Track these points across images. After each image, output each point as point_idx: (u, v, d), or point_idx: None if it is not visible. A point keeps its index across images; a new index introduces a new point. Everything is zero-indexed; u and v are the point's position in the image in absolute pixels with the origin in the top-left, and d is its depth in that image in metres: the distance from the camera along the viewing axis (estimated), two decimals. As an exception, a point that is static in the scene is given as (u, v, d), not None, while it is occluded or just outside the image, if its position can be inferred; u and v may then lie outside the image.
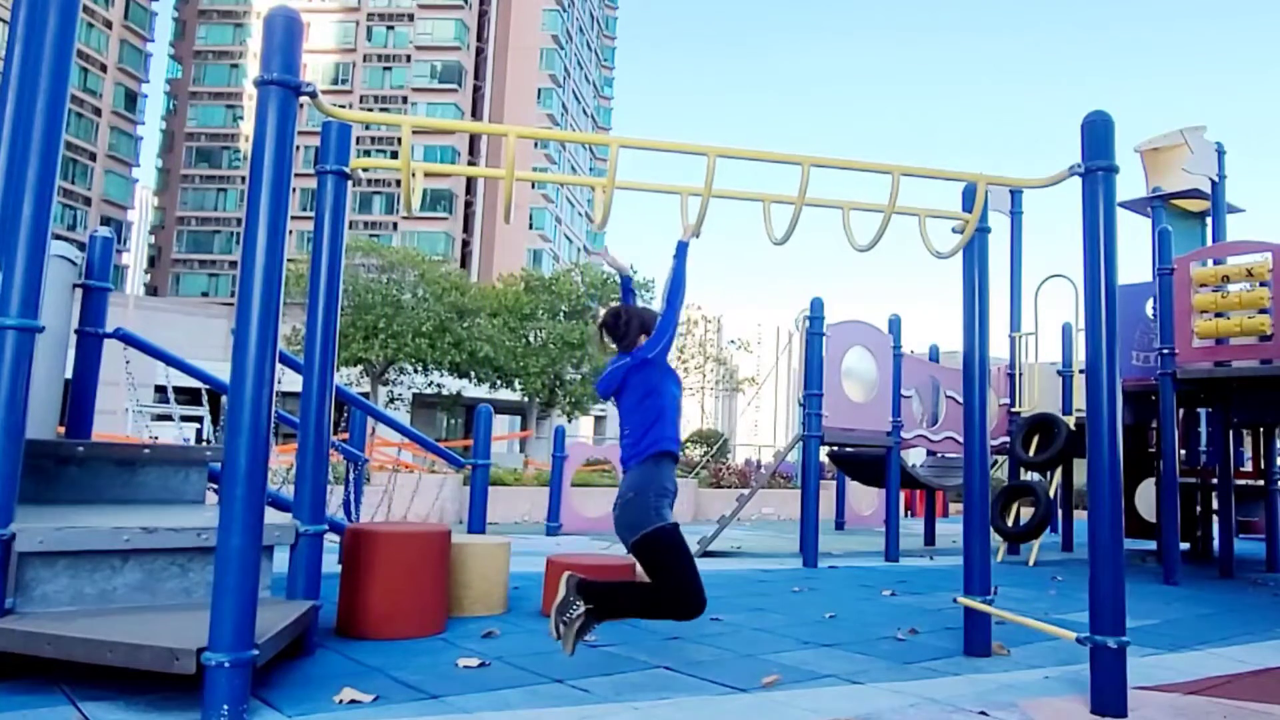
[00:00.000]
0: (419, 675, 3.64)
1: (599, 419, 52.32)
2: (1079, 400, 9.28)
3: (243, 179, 56.74)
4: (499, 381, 32.27)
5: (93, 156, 59.05)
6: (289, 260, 3.35)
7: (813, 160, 3.97)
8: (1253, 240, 8.10)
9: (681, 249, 3.87)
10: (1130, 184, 9.85)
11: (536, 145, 61.55)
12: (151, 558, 3.70)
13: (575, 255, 67.53)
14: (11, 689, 3.14)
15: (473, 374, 31.57)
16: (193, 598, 3.75)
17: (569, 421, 36.30)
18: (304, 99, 3.34)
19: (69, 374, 5.27)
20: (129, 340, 5.54)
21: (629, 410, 3.75)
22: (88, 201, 58.35)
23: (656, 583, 3.50)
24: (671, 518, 3.55)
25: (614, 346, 3.89)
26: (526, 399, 34.43)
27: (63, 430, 5.39)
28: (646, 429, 3.68)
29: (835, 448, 10.82)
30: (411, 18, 64.83)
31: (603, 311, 3.83)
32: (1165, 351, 8.01)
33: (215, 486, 5.05)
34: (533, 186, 63.18)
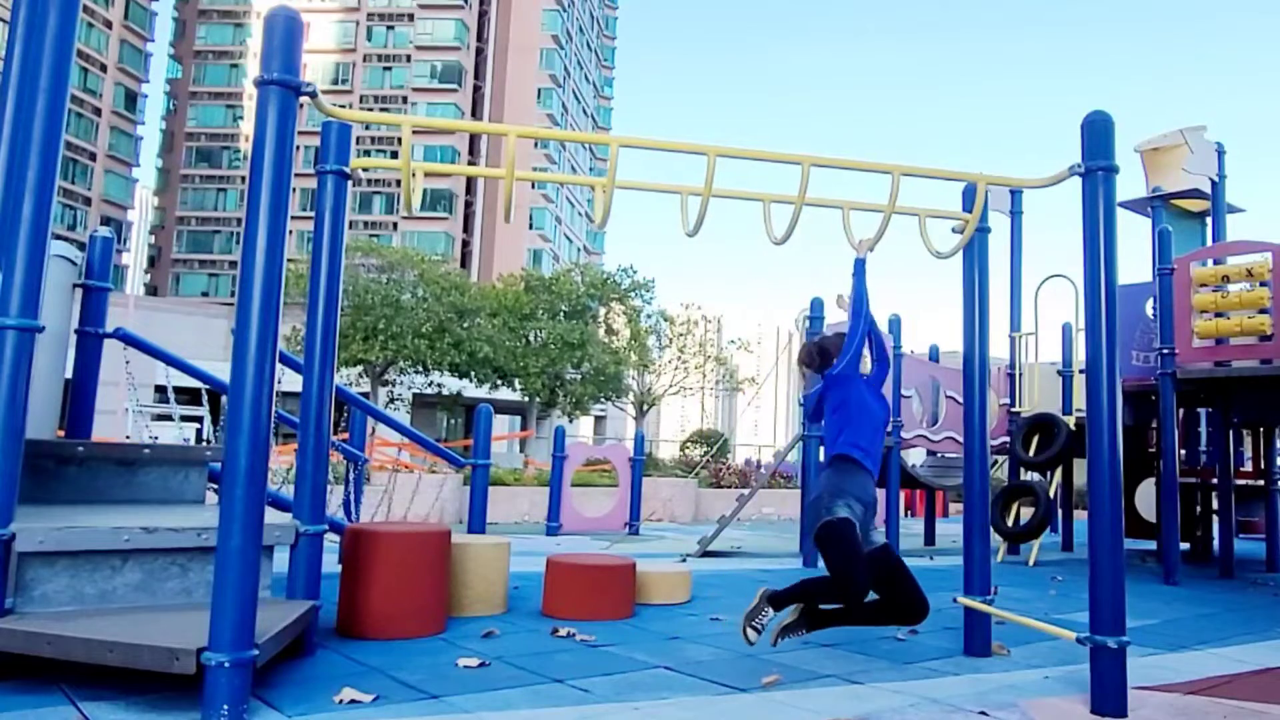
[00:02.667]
0: (419, 675, 3.64)
1: (599, 419, 52.28)
2: (1079, 400, 9.28)
3: (243, 179, 56.72)
4: (499, 381, 32.24)
5: (93, 156, 59.03)
6: (289, 260, 3.35)
7: (813, 160, 3.97)
8: (1253, 240, 8.10)
9: (858, 266, 4.20)
10: (1130, 184, 9.85)
11: (536, 145, 61.53)
12: (151, 558, 3.70)
13: (575, 255, 67.53)
14: (11, 689, 3.14)
15: (473, 374, 31.55)
16: (193, 598, 3.75)
17: (569, 421, 36.29)
18: (304, 99, 3.34)
19: (69, 374, 5.27)
20: (129, 340, 5.53)
21: (825, 424, 4.17)
22: (88, 201, 58.33)
23: (828, 572, 3.82)
24: (843, 513, 3.81)
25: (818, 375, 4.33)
26: (526, 399, 34.42)
27: (62, 432, 5.39)
28: (833, 437, 4.05)
29: (835, 448, 10.80)
30: (411, 18, 64.80)
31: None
32: (1165, 351, 8.01)
33: (215, 486, 5.05)
34: (533, 186, 63.14)
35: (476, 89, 66.81)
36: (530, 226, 64.37)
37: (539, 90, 66.86)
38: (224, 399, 3.51)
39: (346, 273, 14.54)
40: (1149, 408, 9.11)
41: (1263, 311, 7.69)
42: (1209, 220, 10.07)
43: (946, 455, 11.54)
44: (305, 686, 3.40)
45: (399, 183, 4.13)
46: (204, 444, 7.52)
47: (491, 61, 68.06)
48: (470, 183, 65.46)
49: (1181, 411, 10.29)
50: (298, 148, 3.32)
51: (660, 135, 7.37)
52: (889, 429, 3.96)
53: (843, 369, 4.09)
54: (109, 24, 60.43)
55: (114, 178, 61.06)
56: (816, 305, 9.17)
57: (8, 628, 3.15)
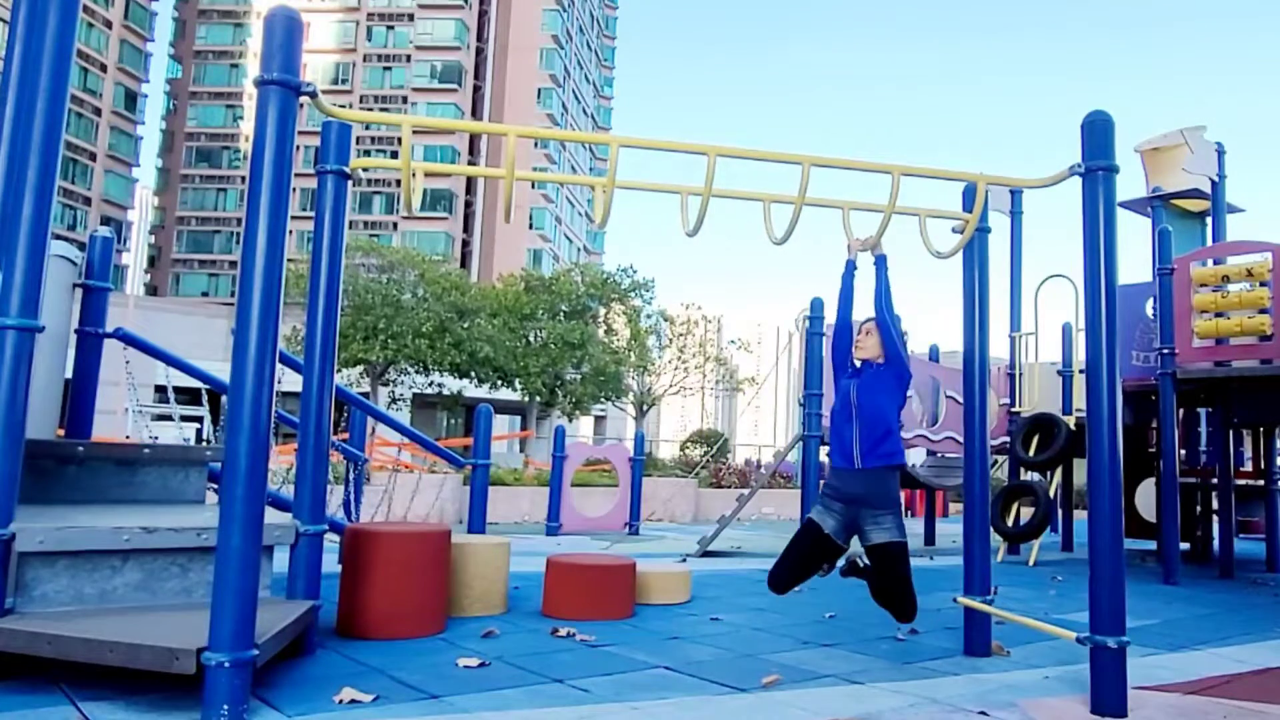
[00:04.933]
0: (419, 675, 3.64)
1: (599, 419, 52.29)
2: (1079, 400, 9.28)
3: (243, 179, 56.68)
4: (499, 381, 32.24)
5: (93, 156, 59.03)
6: (289, 260, 3.35)
7: (813, 160, 3.97)
8: (1253, 240, 8.10)
9: (848, 267, 4.49)
10: (1130, 184, 9.85)
11: (536, 145, 61.54)
12: (151, 558, 3.70)
13: (575, 255, 67.52)
14: (11, 689, 3.14)
15: (473, 374, 31.55)
16: (193, 598, 3.75)
17: (569, 421, 36.27)
18: (304, 99, 3.34)
19: (69, 374, 5.27)
20: (129, 340, 5.53)
21: None
22: (88, 201, 58.33)
23: None
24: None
25: None
26: (526, 399, 34.41)
27: (62, 432, 5.39)
28: None
29: (835, 448, 10.80)
30: (411, 18, 64.80)
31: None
32: (1165, 351, 8.01)
33: (215, 486, 5.05)
34: (533, 186, 63.16)
35: (476, 89, 66.81)
36: (530, 226, 64.38)
37: (539, 90, 66.86)
38: (224, 399, 3.51)
39: (346, 273, 14.53)
40: (1149, 408, 9.11)
41: (1263, 311, 7.69)
42: (1209, 220, 10.07)
43: (946, 455, 11.54)
44: (305, 686, 3.40)
45: (399, 183, 4.14)
46: (204, 444, 7.52)
47: (491, 61, 68.06)
48: (470, 183, 65.46)
49: (1181, 411, 10.28)
50: (298, 148, 3.32)
51: (660, 135, 7.38)
52: (853, 409, 4.09)
53: (834, 368, 4.49)
54: (109, 24, 60.42)
55: (114, 178, 61.04)
56: (816, 305, 9.16)
57: (8, 628, 3.15)
